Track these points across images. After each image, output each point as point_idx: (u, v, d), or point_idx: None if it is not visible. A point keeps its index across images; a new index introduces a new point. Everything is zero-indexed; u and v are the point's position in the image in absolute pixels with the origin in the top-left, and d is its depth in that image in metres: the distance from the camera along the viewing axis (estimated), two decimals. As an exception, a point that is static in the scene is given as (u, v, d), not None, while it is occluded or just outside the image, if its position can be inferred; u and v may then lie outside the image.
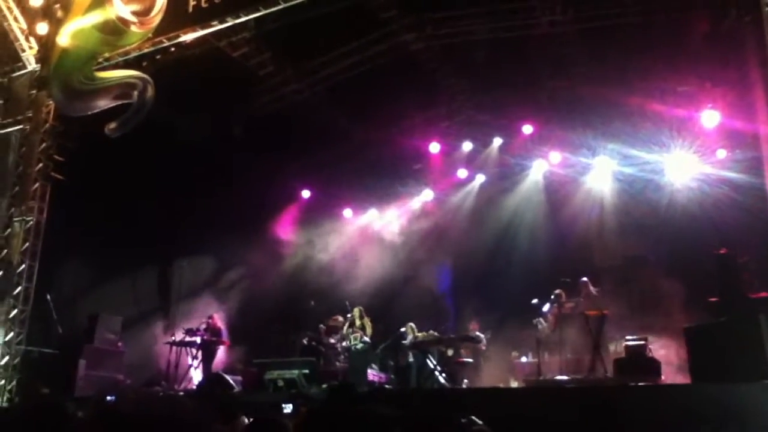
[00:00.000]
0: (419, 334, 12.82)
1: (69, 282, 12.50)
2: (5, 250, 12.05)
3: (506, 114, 14.36)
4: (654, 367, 9.48)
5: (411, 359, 12.61)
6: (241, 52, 12.85)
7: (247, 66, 13.25)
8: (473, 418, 2.29)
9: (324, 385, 10.41)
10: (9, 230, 12.21)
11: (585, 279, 12.05)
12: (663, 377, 9.53)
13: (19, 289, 11.80)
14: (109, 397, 8.47)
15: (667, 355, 10.60)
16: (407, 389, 11.51)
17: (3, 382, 11.25)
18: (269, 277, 15.00)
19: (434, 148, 15.41)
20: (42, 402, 4.73)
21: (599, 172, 14.21)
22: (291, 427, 2.58)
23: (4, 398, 11.12)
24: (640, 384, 8.91)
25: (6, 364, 11.38)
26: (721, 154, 12.56)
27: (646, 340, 10.39)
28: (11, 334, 11.56)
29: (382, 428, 1.53)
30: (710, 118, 12.27)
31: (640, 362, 9.65)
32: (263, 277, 14.92)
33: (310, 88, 14.10)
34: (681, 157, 13.01)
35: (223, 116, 14.19)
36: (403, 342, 12.78)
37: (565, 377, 10.41)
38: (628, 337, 10.56)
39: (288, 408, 6.82)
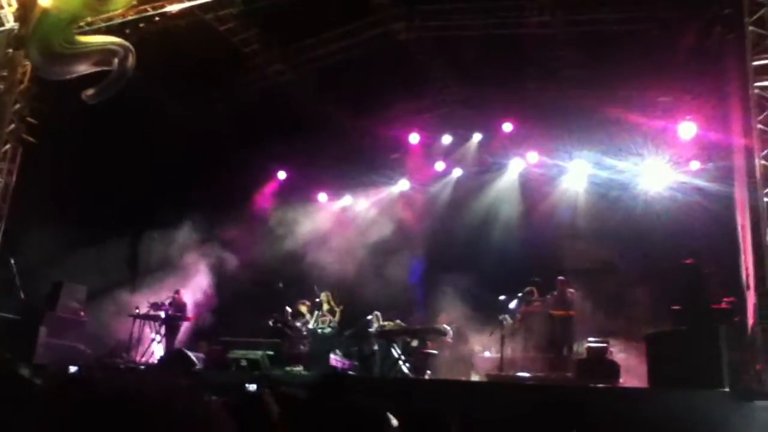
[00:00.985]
0: (385, 323, 12.87)
1: (35, 247, 12.28)
2: (-29, 210, 11.80)
3: (488, 110, 14.43)
4: (614, 369, 9.66)
5: (375, 347, 12.67)
6: (227, 26, 12.66)
7: (232, 42, 13.07)
8: None
9: (288, 368, 10.42)
10: (-24, 191, 11.95)
11: (562, 278, 12.15)
12: (622, 380, 9.70)
13: (-17, 251, 11.57)
14: (72, 367, 8.36)
15: (627, 359, 10.79)
16: (370, 377, 11.54)
17: (-39, 344, 11.05)
18: (239, 256, 14.90)
19: (414, 138, 15.43)
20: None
21: (575, 175, 14.37)
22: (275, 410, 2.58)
23: (-39, 360, 10.92)
24: (599, 385, 9.06)
25: (-35, 326, 11.17)
26: (695, 165, 12.79)
27: (607, 342, 10.57)
28: (-28, 297, 11.36)
29: (373, 422, 1.51)
30: (687, 129, 12.48)
31: (600, 364, 9.82)
32: (233, 255, 14.82)
33: (294, 70, 13.98)
34: (656, 166, 13.22)
35: (205, 91, 14.02)
36: (369, 330, 12.82)
37: (526, 374, 10.55)
38: (590, 339, 10.74)
39: (252, 387, 6.78)
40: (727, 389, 7.45)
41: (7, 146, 12.13)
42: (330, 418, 1.46)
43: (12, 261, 11.73)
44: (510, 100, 13.82)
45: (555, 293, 11.90)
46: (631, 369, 10.46)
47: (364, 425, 1.46)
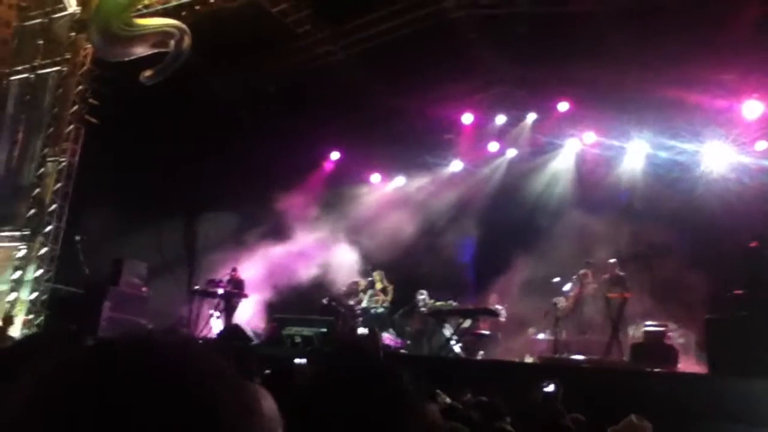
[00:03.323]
0: (438, 303, 12.89)
1: (97, 225, 12.69)
2: (38, 189, 12.28)
3: (542, 90, 14.15)
4: (671, 354, 9.44)
5: (421, 326, 12.74)
6: (279, 8, 12.74)
7: (285, 23, 13.14)
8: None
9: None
10: (42, 170, 12.42)
11: (613, 260, 11.95)
12: (680, 366, 9.49)
13: (49, 228, 12.05)
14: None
15: (686, 344, 10.56)
16: (421, 356, 11.60)
17: (32, 316, 11.56)
18: (294, 235, 15.07)
19: (467, 119, 15.25)
20: (62, 331, 4.83)
21: (633, 156, 13.99)
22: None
23: (33, 332, 11.44)
24: (655, 370, 8.90)
25: (35, 299, 11.68)
26: (761, 145, 12.31)
27: (665, 327, 10.34)
28: (41, 271, 11.85)
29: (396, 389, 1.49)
30: (753, 108, 12.00)
31: (657, 349, 9.62)
32: (288, 235, 15.01)
33: (345, 50, 13.97)
34: (718, 147, 12.77)
35: (258, 72, 14.16)
36: (422, 309, 12.87)
37: (581, 357, 10.42)
38: (647, 323, 10.52)
39: (302, 361, 6.88)
40: (790, 377, 7.22)
41: (71, 127, 12.56)
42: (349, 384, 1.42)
43: (77, 237, 12.17)
44: (565, 79, 13.49)
45: (606, 276, 11.69)
46: (690, 354, 10.24)
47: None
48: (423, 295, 13.20)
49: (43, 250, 11.94)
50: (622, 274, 11.61)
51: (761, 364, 7.52)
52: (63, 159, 12.39)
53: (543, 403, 7.10)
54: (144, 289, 12.31)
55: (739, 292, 8.72)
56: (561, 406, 6.81)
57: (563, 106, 14.25)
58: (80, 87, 12.76)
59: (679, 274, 12.07)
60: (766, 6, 10.65)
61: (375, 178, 16.78)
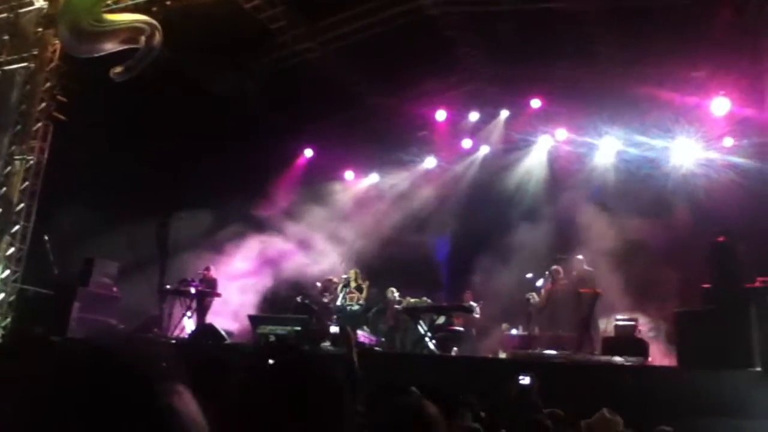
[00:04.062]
0: (412, 300, 12.91)
1: (67, 224, 12.47)
2: (4, 188, 12.03)
3: (516, 87, 14.26)
4: (642, 348, 9.58)
5: (393, 323, 12.77)
6: (253, 3, 12.63)
7: (260, 19, 13.03)
8: None
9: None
10: (9, 168, 12.18)
11: (581, 257, 12.08)
12: (650, 359, 9.63)
13: (17, 227, 11.81)
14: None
15: (656, 337, 10.71)
16: (395, 354, 11.62)
17: (-2, 318, 11.35)
18: (267, 233, 14.98)
19: (440, 115, 15.31)
20: (29, 336, 4.77)
21: (605, 152, 14.16)
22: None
23: (-1, 334, 11.23)
24: (626, 364, 9.01)
25: (1, 301, 11.45)
26: (728, 141, 12.54)
27: (636, 321, 10.48)
28: (7, 272, 11.62)
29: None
30: (720, 105, 12.23)
31: (628, 342, 9.75)
32: (261, 233, 14.91)
33: (322, 47, 13.91)
34: (686, 144, 12.98)
35: (233, 69, 14.04)
36: (396, 307, 12.89)
37: (553, 352, 10.52)
38: (618, 317, 10.66)
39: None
40: (758, 369, 7.36)
41: (39, 124, 12.32)
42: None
43: (45, 237, 11.96)
44: (538, 76, 13.62)
45: (575, 272, 11.81)
46: (660, 348, 10.39)
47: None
48: (393, 293, 13.23)
49: (11, 250, 11.70)
50: (590, 269, 11.74)
51: (729, 356, 7.66)
52: (31, 157, 12.14)
53: (519, 397, 7.16)
54: (114, 289, 12.15)
55: (707, 285, 8.87)
56: (538, 399, 6.87)
57: (535, 103, 14.38)
58: (48, 84, 12.51)
59: (650, 268, 12.25)
60: (735, 7, 10.85)
61: (349, 175, 16.75)
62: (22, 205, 11.92)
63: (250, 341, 11.24)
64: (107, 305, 11.86)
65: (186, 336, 11.88)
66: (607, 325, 11.18)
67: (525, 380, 6.92)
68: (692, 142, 12.98)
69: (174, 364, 0.97)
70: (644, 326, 10.84)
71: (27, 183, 12.02)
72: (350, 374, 4.03)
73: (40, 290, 11.60)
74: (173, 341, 11.45)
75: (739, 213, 10.94)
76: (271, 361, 1.70)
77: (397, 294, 13.22)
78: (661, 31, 11.41)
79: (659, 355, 10.03)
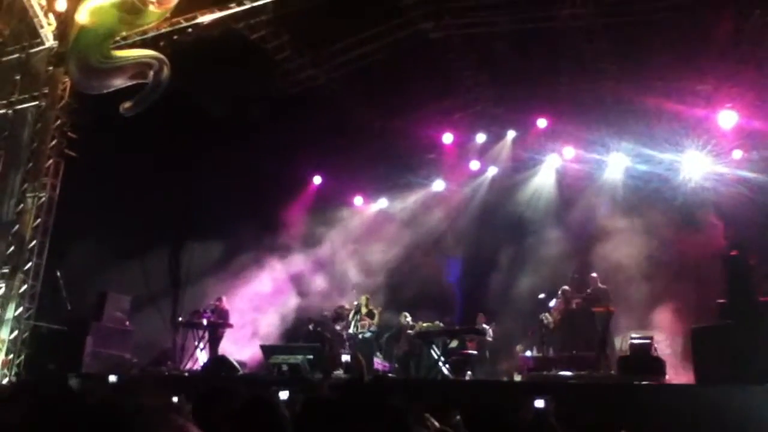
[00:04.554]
0: (424, 324, 12.85)
1: (79, 259, 12.55)
2: (17, 226, 12.14)
3: (521, 107, 14.29)
4: (658, 366, 9.44)
5: (408, 348, 12.68)
6: (258, 34, 12.78)
7: (265, 49, 13.20)
8: None
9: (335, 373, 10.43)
10: (21, 205, 12.31)
11: (595, 275, 12.00)
12: (667, 377, 9.49)
13: (29, 264, 11.90)
14: (112, 377, 8.52)
15: (673, 353, 10.57)
16: (409, 379, 11.53)
17: (12, 356, 11.37)
18: (278, 262, 15.00)
19: (447, 138, 15.35)
20: (44, 376, 4.80)
21: (613, 169, 14.12)
22: (285, 412, 2.59)
23: (12, 372, 11.25)
24: (643, 383, 8.88)
25: (15, 338, 11.50)
26: (737, 154, 12.47)
27: (651, 338, 10.35)
28: (20, 309, 11.67)
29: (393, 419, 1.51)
30: (727, 118, 12.18)
31: (644, 361, 9.62)
32: (273, 261, 14.93)
33: (326, 74, 14.05)
34: (696, 157, 12.92)
35: (240, 99, 14.18)
36: (408, 332, 12.82)
37: (568, 373, 10.39)
38: (633, 335, 10.54)
39: (284, 395, 6.75)
40: (777, 384, 7.23)
41: (50, 161, 12.48)
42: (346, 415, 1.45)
43: (58, 273, 12.03)
44: (543, 95, 13.66)
45: (589, 291, 11.72)
46: (678, 364, 10.25)
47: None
48: (407, 317, 13.16)
49: (24, 287, 11.78)
50: (604, 287, 11.64)
51: (746, 371, 7.54)
52: (42, 194, 12.27)
53: (535, 421, 7.05)
54: (127, 322, 12.16)
55: (722, 300, 8.76)
56: (554, 422, 6.77)
57: (542, 123, 14.39)
58: (59, 121, 12.69)
59: (664, 284, 12.15)
60: (738, 21, 10.86)
61: (358, 200, 16.78)
62: (34, 242, 12.02)
63: (263, 371, 11.20)
64: (120, 339, 11.88)
65: (199, 368, 11.87)
66: (623, 343, 11.05)
67: (540, 403, 6.82)
68: (701, 156, 12.91)
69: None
70: (660, 343, 10.70)
71: (39, 220, 12.14)
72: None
73: (53, 326, 11.64)
74: (186, 374, 11.45)
75: (748, 226, 10.85)
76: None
77: (410, 319, 13.17)
78: (663, 44, 11.42)
79: (676, 373, 9.88)
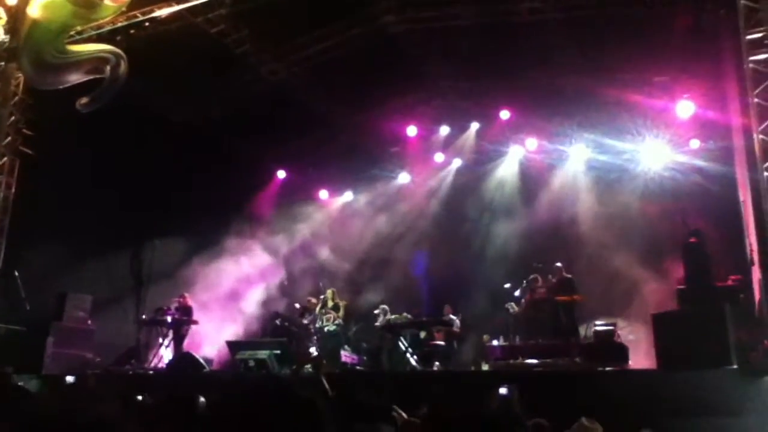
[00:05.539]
0: (392, 317, 12.87)
1: (38, 259, 12.27)
2: (-28, 225, 11.81)
3: (484, 99, 14.38)
4: (622, 352, 9.63)
5: (383, 342, 12.66)
6: (218, 29, 12.58)
7: (225, 44, 13.01)
8: None
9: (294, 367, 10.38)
10: (-24, 205, 11.96)
11: (559, 264, 12.15)
12: (631, 363, 9.68)
13: (-14, 265, 11.58)
14: (69, 377, 8.35)
15: (635, 340, 10.77)
16: (378, 372, 11.54)
17: (-32, 358, 11.06)
18: (244, 259, 14.87)
19: (411, 131, 15.39)
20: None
21: (575, 159, 14.33)
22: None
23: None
24: (607, 369, 9.04)
25: (-28, 340, 11.19)
26: (695, 144, 12.77)
27: (615, 325, 10.54)
28: (-22, 311, 11.37)
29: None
30: (685, 108, 12.46)
31: (608, 347, 9.80)
32: (237, 257, 14.79)
33: (288, 69, 13.92)
34: (655, 147, 13.19)
35: (200, 95, 13.98)
36: (375, 324, 12.83)
37: (534, 361, 10.53)
38: (597, 323, 10.71)
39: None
40: (735, 367, 7.42)
41: (5, 159, 12.14)
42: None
43: (16, 273, 11.74)
44: (506, 87, 13.75)
45: (554, 280, 11.88)
46: (641, 350, 10.45)
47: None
48: (385, 309, 13.11)
49: (-19, 288, 11.48)
50: (569, 276, 11.80)
51: (707, 355, 7.72)
52: (-2, 193, 11.95)
53: (499, 408, 7.12)
54: (89, 322, 11.94)
55: (682, 287, 8.96)
56: (519, 410, 6.84)
57: (505, 115, 14.50)
58: (13, 118, 12.34)
59: (628, 272, 12.38)
60: (694, 14, 11.07)
61: (323, 194, 16.72)
62: (-10, 242, 11.70)
63: (229, 368, 11.10)
64: (82, 339, 11.66)
65: (164, 366, 11.71)
66: (587, 331, 11.22)
67: (504, 391, 6.89)
68: (661, 145, 13.18)
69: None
70: (623, 330, 10.90)
71: (-5, 219, 11.81)
72: (320, 399, 3.97)
73: (12, 327, 11.35)
74: (150, 372, 11.29)
75: (707, 214, 11.10)
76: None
77: (387, 310, 13.07)
78: (622, 37, 11.58)
79: (639, 358, 10.07)
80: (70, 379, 8.28)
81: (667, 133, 13.06)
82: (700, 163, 12.47)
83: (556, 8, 11.71)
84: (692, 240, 9.45)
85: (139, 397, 5.60)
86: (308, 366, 11.27)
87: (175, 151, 13.54)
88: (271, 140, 14.75)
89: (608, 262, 12.55)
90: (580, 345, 10.58)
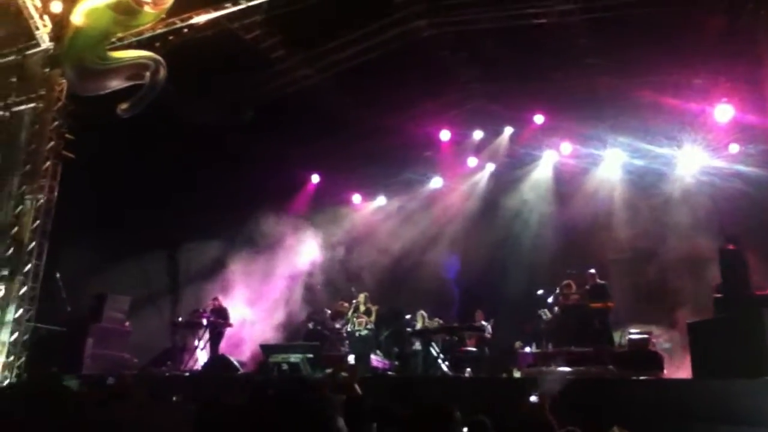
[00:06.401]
0: (427, 322, 12.87)
1: (78, 261, 12.59)
2: (16, 228, 12.15)
3: (517, 103, 14.28)
4: (656, 361, 9.49)
5: (416, 347, 12.65)
6: (253, 34, 12.79)
7: (259, 49, 13.20)
8: None
9: (327, 370, 10.45)
10: (20, 208, 12.30)
11: (592, 270, 12.01)
12: (665, 372, 9.52)
13: (29, 266, 11.89)
14: (110, 379, 8.56)
15: (671, 348, 10.61)
16: (409, 377, 11.54)
17: (12, 358, 11.39)
18: (276, 262, 15.02)
19: (444, 135, 15.39)
20: (44, 379, 4.83)
21: (610, 164, 14.17)
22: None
23: (14, 374, 11.27)
24: (641, 378, 8.92)
25: (15, 340, 11.51)
26: (734, 148, 12.51)
27: (650, 333, 10.39)
28: (21, 311, 11.68)
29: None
30: (723, 112, 12.22)
31: (642, 356, 9.66)
32: (270, 261, 14.94)
33: (320, 73, 14.05)
34: (692, 151, 12.96)
35: (235, 99, 14.18)
36: (408, 329, 12.83)
37: (567, 369, 10.41)
38: (631, 331, 10.57)
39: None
40: (773, 377, 7.26)
41: (48, 163, 12.48)
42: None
43: (58, 275, 12.04)
44: (539, 91, 13.65)
45: (588, 286, 11.73)
46: (675, 359, 10.28)
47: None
48: (423, 315, 13.07)
49: (23, 290, 11.78)
50: (602, 282, 11.66)
51: (743, 365, 7.57)
52: (41, 196, 12.27)
53: (530, 415, 7.08)
54: (127, 323, 12.20)
55: (719, 295, 8.79)
56: (549, 417, 6.79)
57: (539, 119, 14.41)
58: (56, 122, 12.68)
59: (662, 278, 12.19)
60: (729, 15, 10.86)
61: (356, 198, 16.80)
62: (33, 244, 12.02)
63: (262, 371, 11.22)
64: (120, 340, 11.92)
65: (199, 368, 11.90)
66: (621, 338, 11.08)
67: (534, 398, 6.86)
68: (698, 150, 12.95)
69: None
70: (658, 338, 10.74)
71: (38, 222, 12.13)
72: (353, 406, 4.05)
73: (53, 328, 11.65)
74: (186, 374, 11.49)
75: (744, 221, 10.88)
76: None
77: (425, 317, 13.06)
78: (655, 38, 11.41)
79: (674, 367, 9.91)
80: (110, 380, 8.48)
81: (705, 138, 12.82)
82: (739, 167, 12.21)
83: (587, 9, 11.61)
84: (730, 246, 9.26)
85: (174, 399, 5.74)
86: (344, 372, 11.37)
87: (211, 155, 13.75)
88: (305, 144, 14.86)
89: (643, 268, 12.38)
90: (613, 353, 10.43)
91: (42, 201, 12.29)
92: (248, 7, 11.53)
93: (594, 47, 12.31)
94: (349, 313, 13.36)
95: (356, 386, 4.29)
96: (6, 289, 11.78)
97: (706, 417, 7.05)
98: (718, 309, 8.77)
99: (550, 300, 12.01)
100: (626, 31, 11.56)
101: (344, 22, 12.68)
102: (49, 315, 11.90)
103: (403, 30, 12.90)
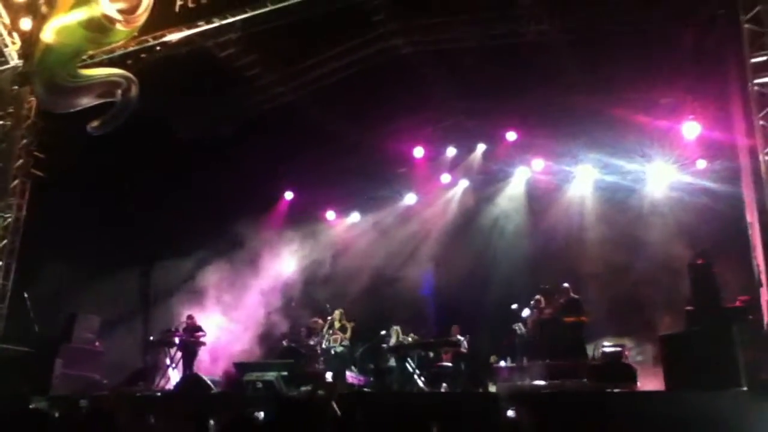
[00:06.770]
0: (402, 338, 12.85)
1: (48, 281, 12.35)
2: (-17, 247, 11.91)
3: (491, 120, 14.45)
4: (630, 373, 9.57)
5: (391, 363, 12.62)
6: (227, 52, 12.76)
7: (234, 67, 13.18)
8: None
9: (303, 388, 10.37)
10: (-13, 227, 12.07)
11: (566, 285, 12.14)
12: (639, 384, 9.62)
13: (-4, 286, 11.67)
14: (82, 400, 8.37)
15: (644, 360, 10.72)
16: (385, 393, 11.50)
17: (-22, 378, 11.10)
18: (250, 279, 14.92)
19: (418, 152, 15.48)
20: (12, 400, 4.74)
21: (582, 180, 14.35)
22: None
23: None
24: (615, 390, 8.99)
25: (-19, 361, 11.24)
26: (701, 164, 12.79)
27: (623, 346, 10.50)
28: (-12, 332, 11.43)
29: None
30: (691, 129, 12.49)
31: (616, 369, 9.75)
32: (245, 278, 14.84)
33: (296, 91, 14.06)
34: (661, 167, 13.21)
35: (210, 116, 14.12)
36: (383, 345, 12.81)
37: (542, 382, 10.48)
38: (605, 344, 10.68)
39: (260, 415, 6.61)
40: (744, 388, 7.37)
41: (16, 181, 12.28)
42: None
43: (26, 295, 11.81)
44: (512, 108, 13.83)
45: (562, 301, 11.85)
46: (648, 371, 10.39)
47: None
48: (397, 330, 13.04)
49: (-10, 310, 11.55)
50: (576, 297, 11.78)
51: (715, 377, 7.67)
52: (9, 215, 12.05)
53: (508, 430, 7.11)
54: (97, 343, 11.98)
55: (690, 308, 8.93)
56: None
57: (511, 136, 14.57)
58: (25, 140, 12.51)
59: (635, 292, 12.35)
60: (699, 35, 11.15)
61: (330, 215, 16.79)
62: (1, 263, 11.80)
63: (237, 389, 11.08)
64: (91, 360, 11.68)
65: (172, 387, 11.72)
66: (595, 351, 11.18)
67: (511, 413, 6.88)
68: (667, 166, 13.21)
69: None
70: (632, 350, 10.86)
71: (5, 241, 11.91)
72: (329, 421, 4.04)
73: (21, 348, 11.40)
74: (158, 393, 11.30)
75: (715, 234, 11.09)
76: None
77: (400, 332, 13.03)
78: (627, 58, 11.66)
79: (647, 379, 10.01)
80: (83, 402, 8.30)
81: (673, 154, 13.09)
82: (707, 183, 12.47)
83: (564, 30, 11.81)
84: (699, 261, 9.43)
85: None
86: (321, 391, 11.27)
87: (184, 172, 13.66)
88: (280, 161, 14.86)
89: (616, 282, 12.52)
90: (587, 366, 10.52)
91: (10, 220, 12.08)
92: (222, 25, 11.52)
93: (567, 66, 12.52)
94: (324, 330, 13.28)
95: (334, 404, 4.27)
96: (-27, 309, 11.52)
97: (679, 428, 7.13)
98: (689, 322, 8.90)
99: (524, 314, 12.10)
100: (600, 52, 11.80)
101: (321, 40, 12.72)
102: (18, 335, 11.64)
103: (380, 48, 12.98)
